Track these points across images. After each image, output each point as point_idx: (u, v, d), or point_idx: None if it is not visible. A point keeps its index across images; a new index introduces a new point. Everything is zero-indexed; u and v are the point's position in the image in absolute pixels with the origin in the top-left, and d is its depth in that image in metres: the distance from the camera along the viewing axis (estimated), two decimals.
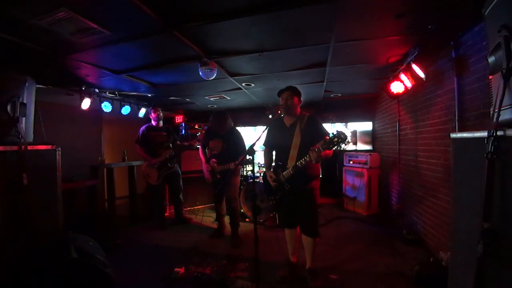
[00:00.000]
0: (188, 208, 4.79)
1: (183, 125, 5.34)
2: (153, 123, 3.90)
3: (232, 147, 3.29)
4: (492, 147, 0.95)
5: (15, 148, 1.79)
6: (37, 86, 2.20)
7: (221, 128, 3.30)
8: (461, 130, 2.28)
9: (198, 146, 3.67)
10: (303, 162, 2.14)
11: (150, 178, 3.79)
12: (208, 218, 4.32)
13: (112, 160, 5.38)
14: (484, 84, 1.96)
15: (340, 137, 1.93)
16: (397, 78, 3.04)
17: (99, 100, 4.02)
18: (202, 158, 3.47)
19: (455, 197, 1.35)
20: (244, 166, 4.34)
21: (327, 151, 2.06)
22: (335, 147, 2.00)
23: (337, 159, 5.24)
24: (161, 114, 3.93)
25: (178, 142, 4.06)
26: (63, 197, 2.20)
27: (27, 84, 1.96)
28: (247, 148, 2.17)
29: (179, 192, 4.10)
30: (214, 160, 3.33)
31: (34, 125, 2.11)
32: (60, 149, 2.15)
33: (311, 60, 2.99)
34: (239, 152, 3.22)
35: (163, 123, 4.00)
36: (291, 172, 2.23)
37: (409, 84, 2.91)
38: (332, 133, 1.99)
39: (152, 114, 3.86)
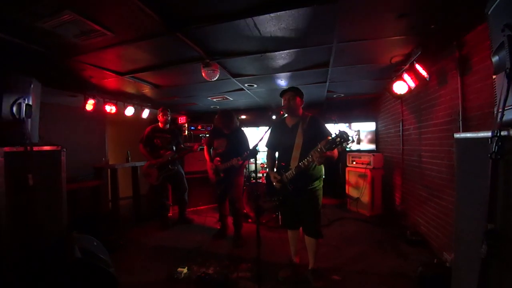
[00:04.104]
0: (191, 209, 4.80)
1: (186, 125, 5.36)
2: (160, 125, 3.94)
3: (236, 146, 3.29)
4: (496, 147, 0.94)
5: (20, 149, 1.81)
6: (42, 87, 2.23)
7: (226, 126, 3.30)
8: (465, 130, 2.27)
9: (201, 147, 3.69)
10: (306, 163, 2.12)
11: (150, 177, 3.83)
12: (211, 219, 4.32)
13: (116, 161, 5.43)
14: (488, 84, 1.95)
15: (343, 137, 1.87)
16: (400, 78, 3.03)
17: (103, 101, 4.06)
18: (206, 158, 3.49)
19: (459, 197, 1.34)
20: (248, 165, 4.35)
21: (331, 153, 2.02)
22: (338, 147, 1.95)
23: (340, 160, 5.21)
24: (169, 117, 3.98)
25: (181, 145, 4.09)
26: (68, 198, 2.22)
27: (32, 86, 1.98)
28: (251, 148, 2.17)
29: (184, 191, 4.11)
30: (218, 158, 3.34)
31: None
32: (65, 150, 2.17)
33: (313, 60, 2.99)
34: (243, 151, 3.22)
35: (169, 125, 4.04)
36: (294, 173, 2.22)
37: (412, 84, 2.89)
38: (335, 133, 1.93)
39: (160, 116, 3.89)
